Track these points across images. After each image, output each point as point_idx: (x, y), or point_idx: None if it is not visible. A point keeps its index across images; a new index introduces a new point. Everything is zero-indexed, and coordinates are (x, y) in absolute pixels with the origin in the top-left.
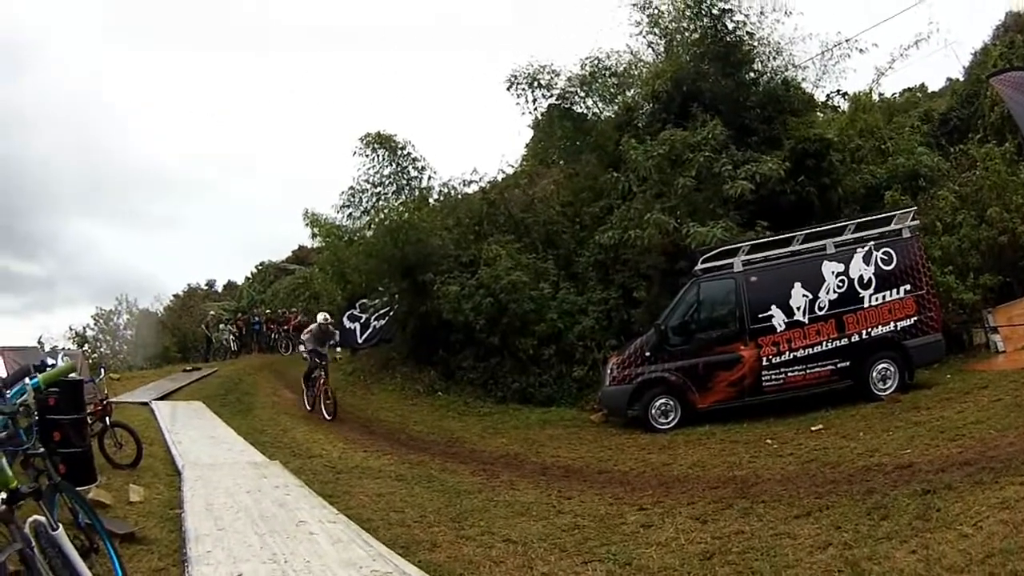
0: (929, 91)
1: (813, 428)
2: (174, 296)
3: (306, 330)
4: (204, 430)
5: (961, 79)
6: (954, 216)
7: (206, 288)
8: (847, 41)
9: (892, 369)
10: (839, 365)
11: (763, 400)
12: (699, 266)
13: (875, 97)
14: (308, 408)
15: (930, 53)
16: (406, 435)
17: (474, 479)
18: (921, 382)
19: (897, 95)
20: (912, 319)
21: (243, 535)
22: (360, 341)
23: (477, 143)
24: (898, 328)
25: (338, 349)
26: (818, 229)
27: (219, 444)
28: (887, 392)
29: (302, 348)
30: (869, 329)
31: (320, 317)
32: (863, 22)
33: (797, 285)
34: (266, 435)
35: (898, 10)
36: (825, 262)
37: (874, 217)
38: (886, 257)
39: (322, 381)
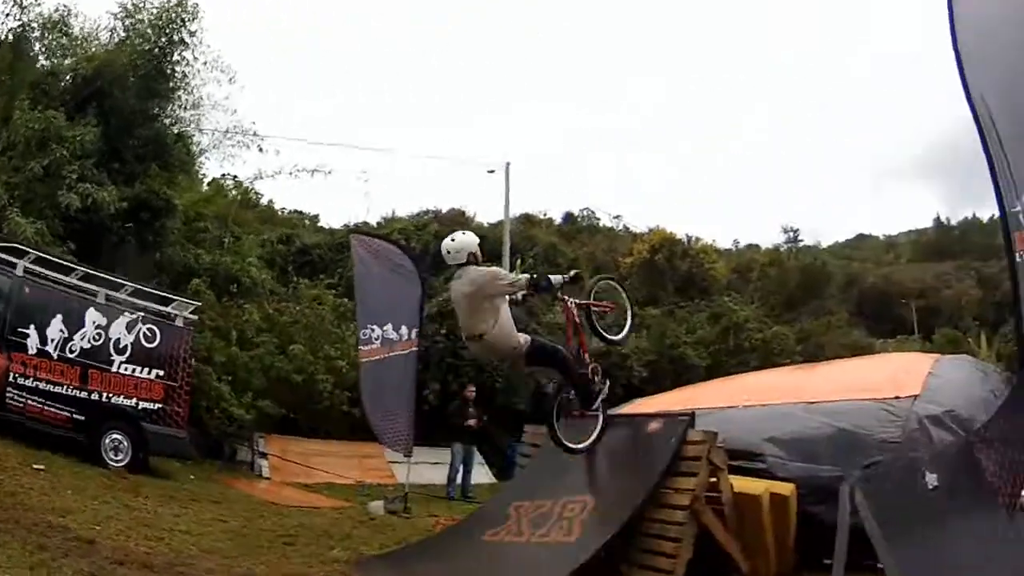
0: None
1: (36, 465)
2: None
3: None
4: None
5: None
6: (258, 335)
7: None
8: (255, 134)
9: (126, 444)
10: (75, 416)
11: (7, 417)
12: None
13: (260, 196)
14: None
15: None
16: None
17: None
18: (164, 472)
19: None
20: (157, 405)
21: None
22: None
23: None
24: (139, 407)
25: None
26: (103, 275)
27: None
28: (118, 464)
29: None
30: (111, 395)
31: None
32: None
33: (59, 317)
34: None
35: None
36: (91, 309)
37: (152, 291)
38: (149, 334)
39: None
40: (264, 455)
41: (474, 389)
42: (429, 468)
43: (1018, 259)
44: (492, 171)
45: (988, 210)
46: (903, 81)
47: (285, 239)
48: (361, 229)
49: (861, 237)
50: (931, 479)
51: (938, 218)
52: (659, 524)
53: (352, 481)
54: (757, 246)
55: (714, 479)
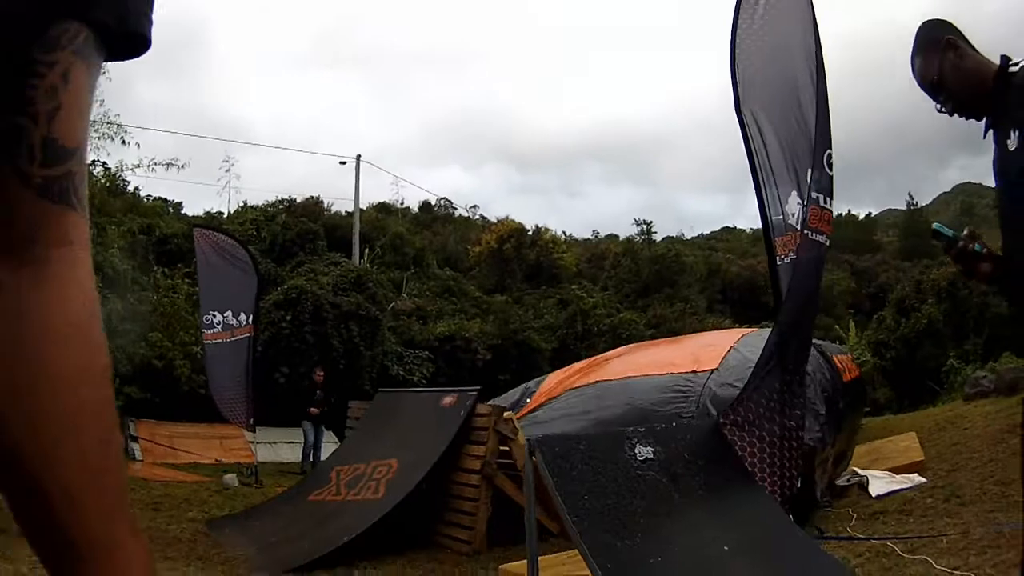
0: None
1: None
2: None
3: None
4: None
5: None
6: (122, 323)
7: None
8: (119, 126)
9: None
10: None
11: None
12: None
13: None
14: None
15: None
16: None
17: None
18: None
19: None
20: None
21: None
22: None
23: None
24: None
25: None
26: None
27: None
28: None
29: None
30: None
31: None
32: None
33: None
34: None
35: None
36: None
37: None
38: None
39: None
40: (135, 439)
41: (323, 373)
42: (286, 447)
43: (778, 262)
44: (344, 162)
45: (864, 207)
46: None
47: (146, 229)
48: (203, 223)
49: (726, 230)
50: (642, 451)
51: None
52: (458, 486)
53: (214, 460)
54: (616, 236)
55: (506, 448)
